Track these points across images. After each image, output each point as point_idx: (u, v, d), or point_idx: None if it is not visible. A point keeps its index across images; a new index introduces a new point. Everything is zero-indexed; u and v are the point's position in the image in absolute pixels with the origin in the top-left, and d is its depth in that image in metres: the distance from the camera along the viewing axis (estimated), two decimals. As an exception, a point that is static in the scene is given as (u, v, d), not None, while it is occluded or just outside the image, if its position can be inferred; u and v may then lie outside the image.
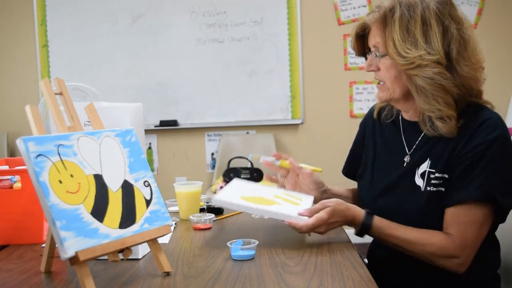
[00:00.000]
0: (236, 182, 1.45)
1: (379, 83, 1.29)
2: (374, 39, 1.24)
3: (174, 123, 3.91)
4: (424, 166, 1.24)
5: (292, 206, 1.29)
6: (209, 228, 1.45)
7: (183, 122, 3.92)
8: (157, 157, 4.01)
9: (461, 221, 1.16)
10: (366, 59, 1.31)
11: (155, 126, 3.92)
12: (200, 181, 1.62)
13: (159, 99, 3.91)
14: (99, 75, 3.89)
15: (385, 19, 1.21)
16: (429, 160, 1.23)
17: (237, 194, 1.33)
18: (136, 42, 3.89)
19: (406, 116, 1.33)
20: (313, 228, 1.19)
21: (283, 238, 1.31)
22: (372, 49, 1.26)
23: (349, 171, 1.52)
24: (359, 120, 1.54)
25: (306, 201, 1.37)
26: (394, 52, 1.18)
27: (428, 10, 1.18)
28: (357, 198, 1.47)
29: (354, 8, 3.83)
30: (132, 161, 1.08)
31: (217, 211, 1.63)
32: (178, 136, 3.98)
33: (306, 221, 1.19)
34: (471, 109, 1.20)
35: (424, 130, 1.25)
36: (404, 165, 1.28)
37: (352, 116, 3.82)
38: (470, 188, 1.15)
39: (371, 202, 1.35)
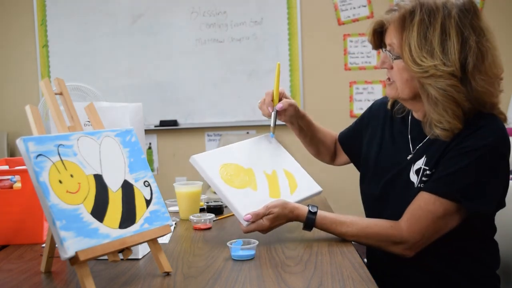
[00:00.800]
0: (245, 143, 1.43)
1: (388, 79, 1.28)
2: (390, 39, 1.22)
3: (174, 123, 3.91)
4: (420, 163, 1.24)
5: (262, 196, 1.30)
6: (209, 228, 1.45)
7: (183, 122, 3.92)
8: (157, 157, 4.01)
9: (419, 206, 1.18)
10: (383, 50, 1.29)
11: (155, 126, 3.92)
12: (200, 181, 1.61)
13: (159, 99, 3.91)
14: (99, 75, 3.89)
15: (404, 21, 1.18)
16: (425, 157, 1.24)
17: (222, 160, 1.32)
18: (136, 42, 3.89)
19: (416, 115, 1.32)
20: (253, 231, 1.24)
21: (283, 238, 1.31)
22: (388, 47, 1.24)
23: (344, 137, 1.58)
24: (359, 120, 1.54)
25: (303, 189, 1.39)
26: (409, 58, 1.16)
27: (449, 19, 1.15)
28: (330, 141, 1.59)
29: (354, 8, 3.83)
30: (132, 161, 1.08)
31: (217, 211, 1.63)
32: (178, 136, 3.98)
33: (247, 226, 1.23)
34: (477, 117, 1.19)
35: (425, 132, 1.25)
36: (405, 163, 1.29)
37: (352, 116, 3.82)
38: (440, 182, 1.17)
39: (372, 200, 1.36)
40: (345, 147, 1.57)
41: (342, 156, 1.60)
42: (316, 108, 3.86)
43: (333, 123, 4.02)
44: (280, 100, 1.42)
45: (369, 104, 1.56)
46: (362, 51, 3.83)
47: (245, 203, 1.25)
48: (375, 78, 3.83)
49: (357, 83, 3.86)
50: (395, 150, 1.34)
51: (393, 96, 1.28)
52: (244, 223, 1.23)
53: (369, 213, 1.39)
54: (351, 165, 1.60)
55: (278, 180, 1.38)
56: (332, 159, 1.64)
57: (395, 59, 1.22)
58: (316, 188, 1.45)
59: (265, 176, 1.36)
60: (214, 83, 3.89)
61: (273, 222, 1.23)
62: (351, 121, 1.61)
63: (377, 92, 3.84)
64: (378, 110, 1.46)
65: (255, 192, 1.30)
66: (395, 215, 1.22)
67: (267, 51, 3.84)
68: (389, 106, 1.41)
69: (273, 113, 1.42)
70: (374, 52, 3.79)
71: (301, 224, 1.27)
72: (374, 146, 1.41)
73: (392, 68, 1.25)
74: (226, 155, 1.35)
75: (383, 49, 1.27)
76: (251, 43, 3.85)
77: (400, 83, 1.23)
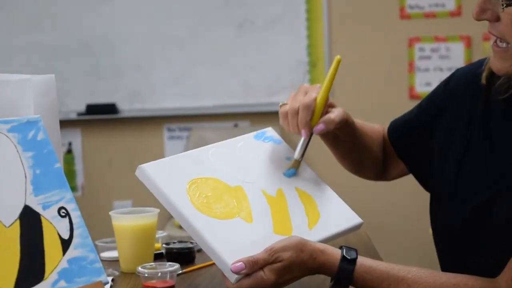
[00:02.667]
0: (229, 144, 1.46)
1: (496, 43, 1.28)
2: None
3: (111, 109, 3.91)
4: None
5: (262, 231, 1.30)
6: (170, 288, 1.46)
7: (126, 108, 3.93)
8: (82, 166, 4.02)
9: None
10: None
11: (79, 114, 3.93)
12: (155, 207, 1.62)
13: (86, 68, 3.91)
14: (-16, 29, 3.90)
15: None
16: None
17: (191, 172, 1.33)
18: (46, -27, 3.91)
19: None
20: None
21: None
22: None
23: (398, 132, 1.59)
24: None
25: (330, 221, 1.40)
26: None
27: None
28: (378, 144, 1.63)
29: None
30: (38, 174, 1.08)
31: (184, 258, 1.62)
32: (118, 130, 3.99)
33: (238, 282, 1.22)
34: None
35: None
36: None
37: (413, 96, 3.84)
38: None
39: (449, 238, 1.38)
40: (400, 148, 1.58)
41: (397, 164, 1.61)
42: (351, 85, 3.86)
43: (380, 111, 4.04)
44: (323, 114, 1.43)
45: (442, 76, 1.56)
46: (430, -14, 3.86)
47: (232, 244, 1.25)
48: (453, 33, 3.85)
49: (422, 41, 3.87)
50: (493, 158, 1.35)
51: (505, 72, 1.28)
52: (233, 277, 1.23)
53: (445, 260, 1.41)
54: (410, 178, 1.60)
55: (287, 206, 1.38)
56: (381, 172, 1.66)
57: (507, 5, 1.22)
58: (353, 219, 1.46)
59: (265, 199, 1.37)
60: (180, 43, 3.89)
61: (282, 275, 1.23)
62: (411, 106, 1.60)
63: (456, 57, 3.85)
64: (461, 86, 1.47)
65: (249, 225, 1.31)
66: (490, 267, 1.24)
67: (269, -12, 3.86)
68: (483, 80, 1.41)
69: (303, 138, 1.44)
70: (450, -12, 3.80)
71: (327, 278, 1.27)
72: (455, 150, 1.42)
73: (498, 19, 1.25)
74: (198, 164, 1.36)
75: None
76: (241, -26, 3.87)
77: None
